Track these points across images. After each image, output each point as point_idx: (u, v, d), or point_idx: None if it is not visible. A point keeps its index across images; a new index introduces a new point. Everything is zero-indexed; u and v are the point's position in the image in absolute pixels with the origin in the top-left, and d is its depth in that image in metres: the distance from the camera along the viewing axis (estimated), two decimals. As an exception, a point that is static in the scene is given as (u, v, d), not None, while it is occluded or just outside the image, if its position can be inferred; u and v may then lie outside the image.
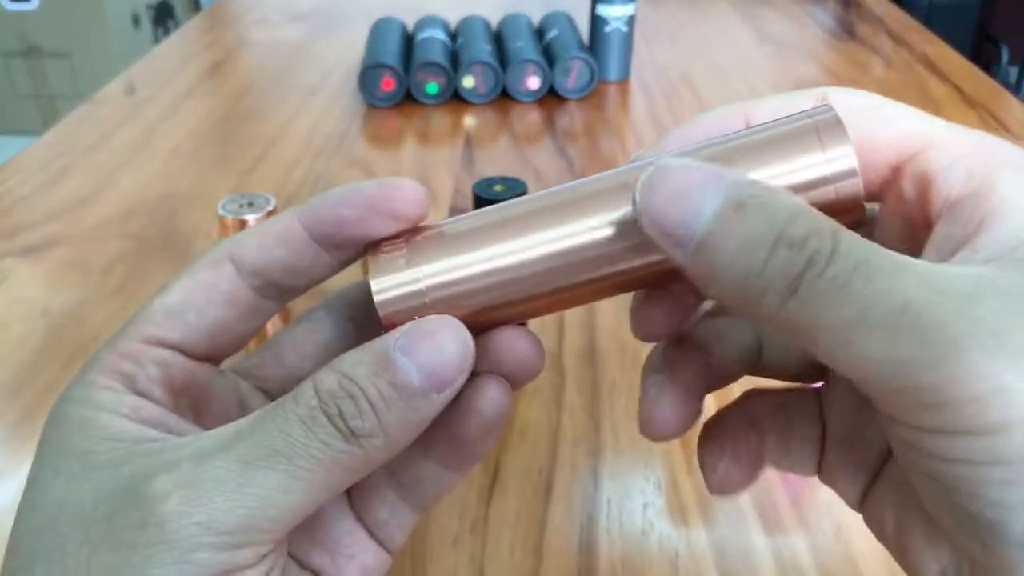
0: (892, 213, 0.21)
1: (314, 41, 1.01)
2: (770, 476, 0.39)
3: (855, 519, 0.37)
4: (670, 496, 0.38)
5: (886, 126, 0.20)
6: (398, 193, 0.21)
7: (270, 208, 0.40)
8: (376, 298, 0.20)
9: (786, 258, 0.16)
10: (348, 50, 0.97)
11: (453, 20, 0.94)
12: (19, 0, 2.60)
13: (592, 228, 0.19)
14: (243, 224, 0.39)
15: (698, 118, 0.22)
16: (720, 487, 0.23)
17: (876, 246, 0.16)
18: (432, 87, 0.81)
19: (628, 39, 0.85)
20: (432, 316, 0.19)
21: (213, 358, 0.22)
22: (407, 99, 0.82)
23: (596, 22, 0.84)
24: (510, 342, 0.21)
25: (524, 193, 0.41)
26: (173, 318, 0.21)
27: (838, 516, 0.37)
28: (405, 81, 0.80)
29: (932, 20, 2.60)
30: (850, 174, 0.19)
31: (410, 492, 0.22)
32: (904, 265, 0.16)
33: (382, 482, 0.22)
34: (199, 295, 0.21)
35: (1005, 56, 2.80)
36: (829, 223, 0.16)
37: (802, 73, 0.90)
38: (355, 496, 0.22)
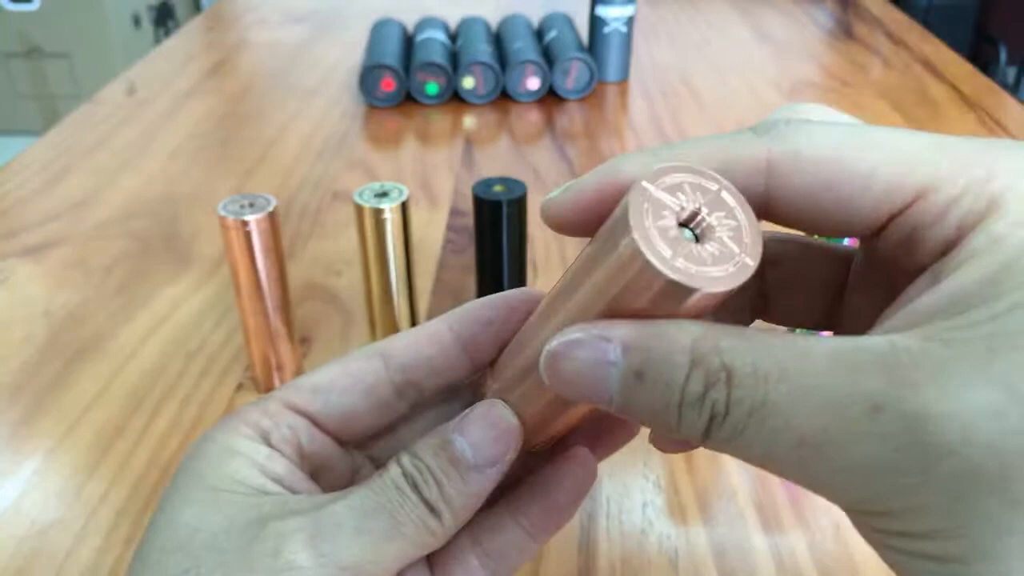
0: (889, 259, 0.20)
1: (314, 42, 1.01)
2: (770, 476, 0.39)
3: (853, 518, 0.37)
4: (669, 495, 0.38)
5: (869, 184, 0.18)
6: (531, 297, 0.24)
7: (270, 209, 0.40)
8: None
9: (691, 418, 0.17)
10: (348, 51, 0.97)
11: (453, 21, 0.94)
12: (20, 1, 2.60)
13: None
14: (244, 224, 0.39)
15: (609, 169, 0.20)
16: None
17: (776, 357, 0.16)
18: (432, 87, 0.81)
19: (627, 40, 0.85)
20: (484, 401, 0.22)
21: (339, 437, 0.24)
22: (407, 100, 0.82)
23: (595, 23, 0.85)
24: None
25: (524, 195, 0.42)
26: (316, 393, 0.24)
27: (837, 515, 0.37)
28: (405, 82, 0.80)
29: (931, 20, 2.60)
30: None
31: (493, 559, 0.24)
32: (801, 373, 0.16)
33: (467, 548, 0.24)
34: (345, 380, 0.24)
35: (1003, 56, 2.80)
36: (720, 363, 0.16)
37: (801, 73, 0.90)
38: (436, 561, 0.24)
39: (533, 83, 0.82)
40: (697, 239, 0.17)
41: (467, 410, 0.22)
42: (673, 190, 0.17)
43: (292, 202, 0.65)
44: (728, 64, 0.93)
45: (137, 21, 2.78)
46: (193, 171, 0.69)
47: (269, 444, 0.23)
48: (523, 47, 0.83)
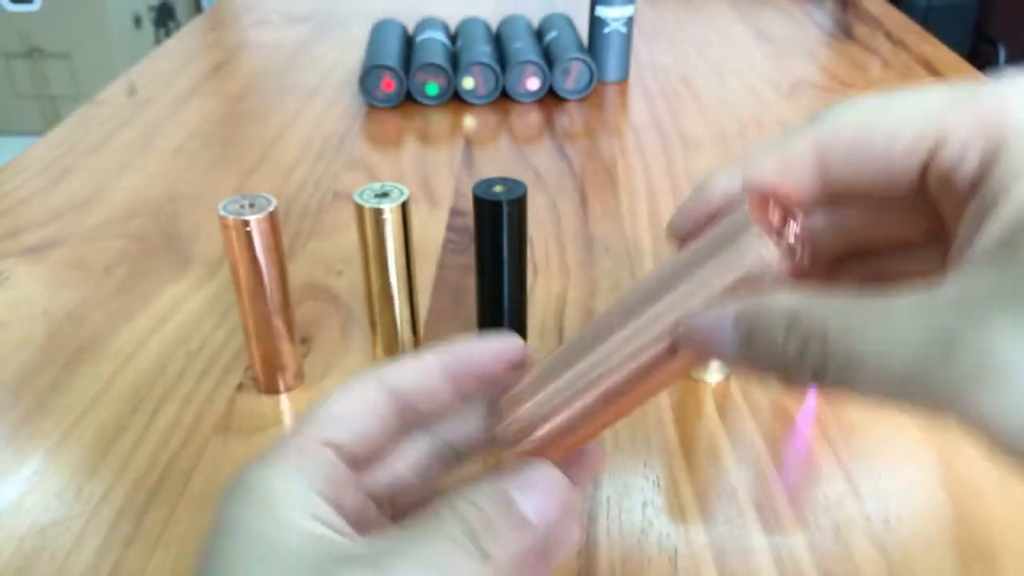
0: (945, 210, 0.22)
1: (314, 42, 1.01)
2: (769, 475, 0.39)
3: (854, 518, 0.37)
4: (669, 495, 0.38)
5: (893, 142, 0.22)
6: (514, 346, 0.26)
7: (271, 209, 0.40)
8: (499, 432, 0.26)
9: (798, 373, 0.20)
10: (348, 51, 0.97)
11: (452, 22, 0.94)
12: (20, 1, 2.60)
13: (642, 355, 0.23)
14: (244, 224, 0.39)
15: (706, 188, 0.25)
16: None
17: (861, 314, 0.19)
18: (432, 88, 0.81)
19: (627, 40, 0.85)
20: (540, 463, 0.24)
21: (355, 465, 0.25)
22: (407, 100, 0.82)
23: (595, 23, 0.85)
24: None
25: (524, 195, 0.42)
26: (339, 423, 0.24)
27: (836, 515, 0.37)
28: (405, 82, 0.80)
29: (930, 21, 2.59)
30: (763, 264, 0.21)
31: None
32: (884, 327, 0.18)
33: None
34: (357, 405, 0.25)
35: (1002, 57, 2.80)
36: (814, 328, 0.19)
37: (800, 74, 0.90)
38: None
39: (533, 83, 0.82)
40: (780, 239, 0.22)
41: (525, 468, 0.23)
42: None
43: (292, 202, 0.65)
44: (728, 64, 0.93)
45: (138, 21, 2.78)
46: (194, 171, 0.70)
47: (310, 484, 0.23)
48: (523, 47, 0.83)
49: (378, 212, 0.40)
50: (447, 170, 0.69)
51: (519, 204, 0.42)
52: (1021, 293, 0.17)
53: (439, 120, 0.79)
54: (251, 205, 0.40)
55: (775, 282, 0.22)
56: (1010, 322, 0.17)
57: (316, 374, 0.46)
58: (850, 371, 0.19)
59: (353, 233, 0.60)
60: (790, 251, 0.22)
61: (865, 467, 0.40)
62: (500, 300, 0.44)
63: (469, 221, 0.61)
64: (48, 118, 2.78)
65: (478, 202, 0.42)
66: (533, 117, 0.80)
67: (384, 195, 0.41)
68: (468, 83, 0.81)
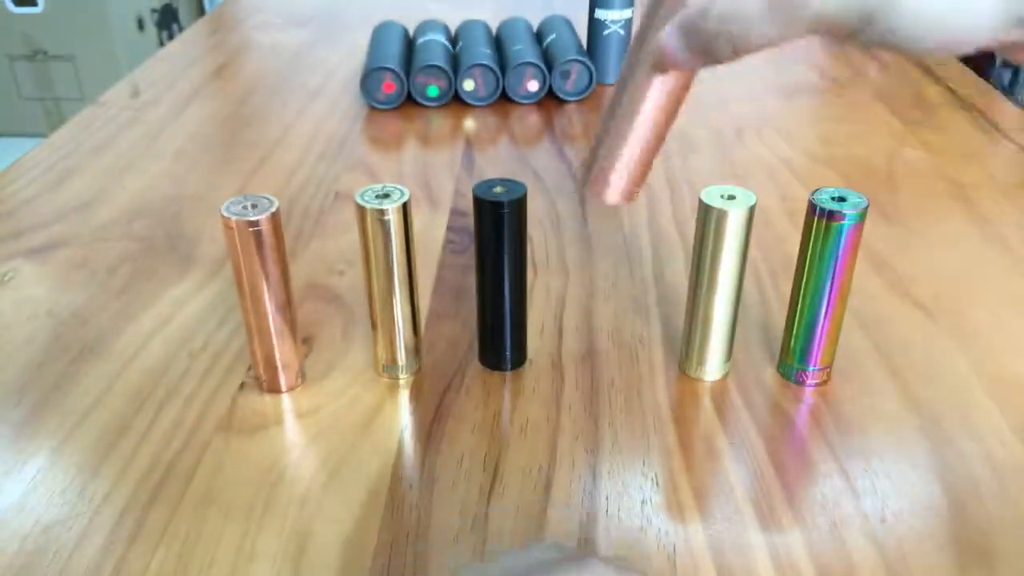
0: None
1: (316, 45, 1.01)
2: (766, 474, 0.40)
3: (851, 516, 0.37)
4: (668, 493, 0.39)
5: None
6: None
7: (273, 210, 0.40)
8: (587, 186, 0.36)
9: (718, 41, 0.28)
10: (349, 53, 0.97)
11: (453, 24, 0.94)
12: (24, 4, 2.61)
13: None
14: (247, 225, 0.39)
15: None
16: None
17: None
18: (433, 90, 0.81)
19: (626, 42, 0.86)
20: None
21: None
22: (408, 101, 0.82)
23: (594, 25, 0.85)
24: None
25: (524, 196, 0.42)
26: None
27: (833, 513, 0.38)
28: (406, 84, 0.81)
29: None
30: None
31: None
32: None
33: None
34: None
35: (998, 58, 2.79)
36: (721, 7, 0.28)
37: (798, 76, 0.91)
38: None
39: (533, 85, 0.82)
40: None
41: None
42: None
43: (294, 203, 0.65)
44: (725, 67, 0.93)
45: (141, 24, 2.79)
46: (196, 172, 0.70)
47: None
48: (523, 49, 0.83)
49: (380, 213, 0.41)
50: (447, 171, 0.70)
51: (519, 205, 0.42)
52: None
53: (439, 122, 0.79)
54: (253, 206, 0.41)
55: None
56: None
57: (318, 374, 0.47)
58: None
59: (354, 233, 0.60)
60: None
61: (862, 465, 0.40)
62: (500, 300, 0.45)
63: (469, 222, 0.62)
64: (52, 120, 2.79)
65: (478, 203, 0.42)
66: (533, 119, 0.80)
67: (385, 196, 0.42)
68: (468, 85, 0.82)
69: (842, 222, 0.40)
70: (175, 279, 0.55)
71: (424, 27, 0.91)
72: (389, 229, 0.41)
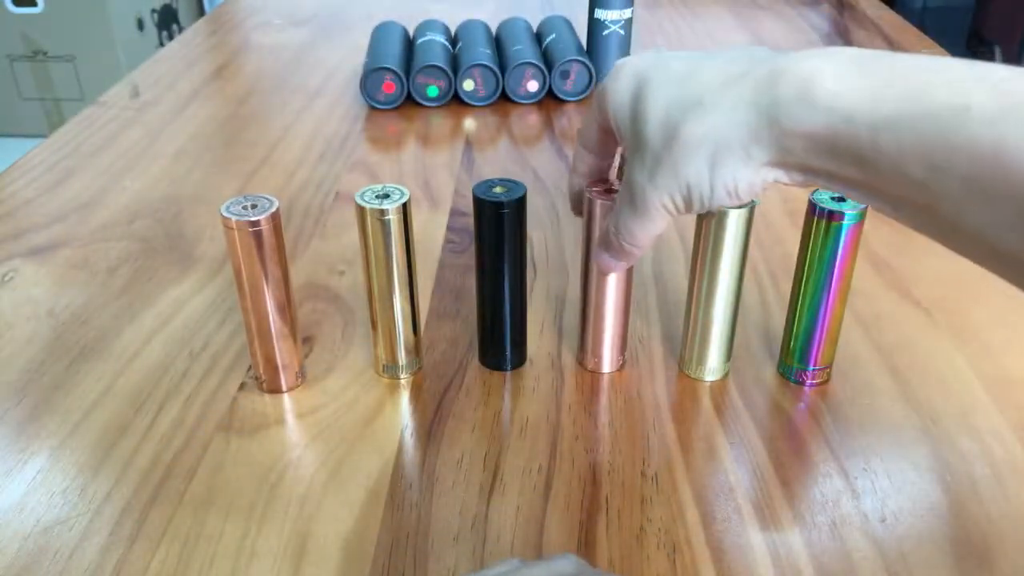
0: None
1: (316, 45, 1.01)
2: (766, 474, 0.40)
3: (851, 515, 0.37)
4: (668, 493, 0.39)
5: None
6: None
7: (272, 210, 0.40)
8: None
9: (617, 246, 0.40)
10: (350, 53, 0.97)
11: (453, 24, 0.94)
12: (24, 4, 2.61)
13: None
14: (247, 225, 0.40)
15: (571, 183, 0.45)
16: None
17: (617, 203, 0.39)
18: (433, 90, 0.82)
19: (625, 42, 0.86)
20: None
21: None
22: (408, 102, 0.82)
23: (594, 25, 0.85)
24: None
25: (524, 196, 0.42)
26: None
27: (834, 512, 0.38)
28: (406, 84, 0.81)
29: (926, 22, 2.60)
30: None
31: None
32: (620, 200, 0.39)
33: None
34: None
35: (998, 58, 2.80)
36: (614, 226, 0.40)
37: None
38: None
39: (533, 85, 0.82)
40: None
41: None
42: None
43: (295, 203, 0.65)
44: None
45: (141, 24, 2.79)
46: (196, 172, 0.70)
47: None
48: (522, 50, 0.83)
49: (380, 213, 0.41)
50: (447, 171, 0.70)
51: (519, 205, 0.42)
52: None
53: (439, 122, 0.79)
54: (253, 206, 0.41)
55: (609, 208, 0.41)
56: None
57: (318, 374, 0.47)
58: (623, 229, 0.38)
59: (354, 234, 0.60)
60: (610, 192, 0.42)
61: (862, 464, 0.40)
62: (500, 300, 0.45)
63: (469, 222, 0.62)
64: (52, 120, 2.78)
65: (478, 203, 0.42)
66: (533, 119, 0.80)
67: (385, 196, 0.42)
68: (468, 85, 0.82)
69: (842, 222, 0.40)
70: (175, 279, 0.55)
71: (424, 27, 0.91)
72: (389, 229, 0.41)
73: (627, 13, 0.84)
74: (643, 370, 0.47)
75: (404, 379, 0.46)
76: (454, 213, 0.63)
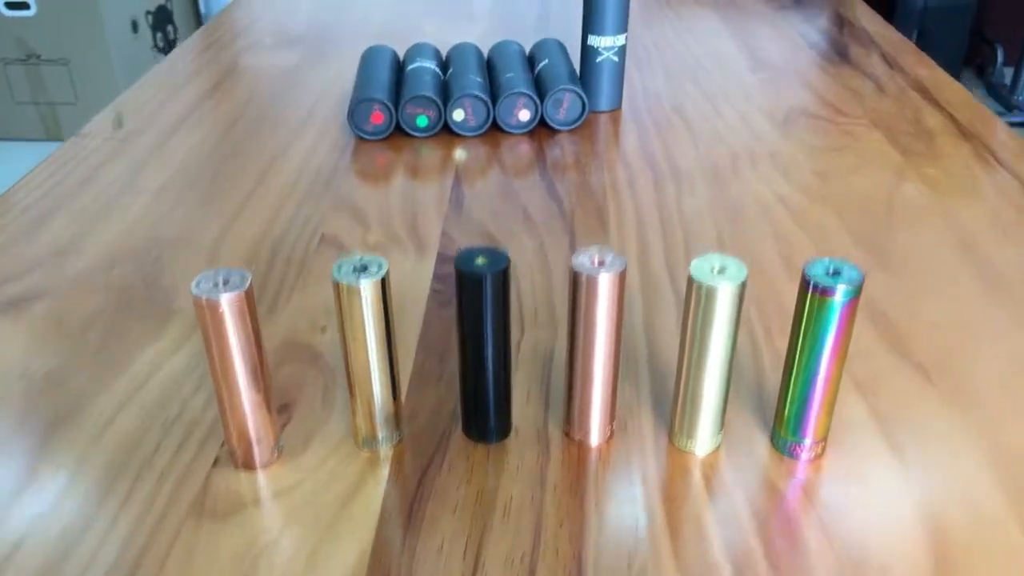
0: None
1: (306, 66, 1.00)
2: (755, 555, 0.38)
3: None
4: (654, 571, 0.37)
5: None
6: None
7: (244, 288, 0.39)
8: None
9: None
10: (340, 75, 0.95)
11: (444, 45, 0.92)
12: (17, 8, 2.59)
13: None
14: (217, 305, 0.38)
15: None
16: None
17: None
18: (422, 120, 0.80)
19: (619, 69, 0.84)
20: None
21: None
22: (397, 131, 0.81)
23: (587, 52, 0.83)
24: None
25: (506, 267, 0.40)
26: None
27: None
28: (395, 115, 0.79)
29: (926, 22, 2.57)
30: None
31: None
32: None
33: None
34: None
35: (1000, 58, 2.77)
36: None
37: (794, 101, 0.89)
38: None
39: (524, 115, 0.80)
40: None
41: None
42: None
43: (278, 248, 0.63)
44: (721, 92, 0.92)
45: (135, 26, 2.77)
46: (179, 211, 0.68)
47: None
48: (514, 78, 0.82)
49: (356, 290, 0.39)
50: (435, 210, 0.68)
51: (502, 277, 0.41)
52: None
53: (428, 153, 0.78)
54: (225, 282, 0.39)
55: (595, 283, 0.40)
56: None
57: (296, 447, 0.45)
58: None
59: (338, 283, 0.59)
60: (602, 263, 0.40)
61: (858, 550, 0.39)
62: (483, 376, 0.43)
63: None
64: (48, 125, 2.77)
65: (460, 276, 0.40)
66: (524, 148, 0.79)
67: (363, 269, 0.40)
68: (459, 115, 0.80)
69: (836, 299, 0.39)
70: (152, 335, 0.54)
71: (414, 52, 0.89)
72: (366, 307, 0.40)
73: (620, 40, 0.82)
74: (632, 441, 0.45)
75: (384, 452, 0.45)
76: (440, 259, 0.62)
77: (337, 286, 0.40)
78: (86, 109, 2.61)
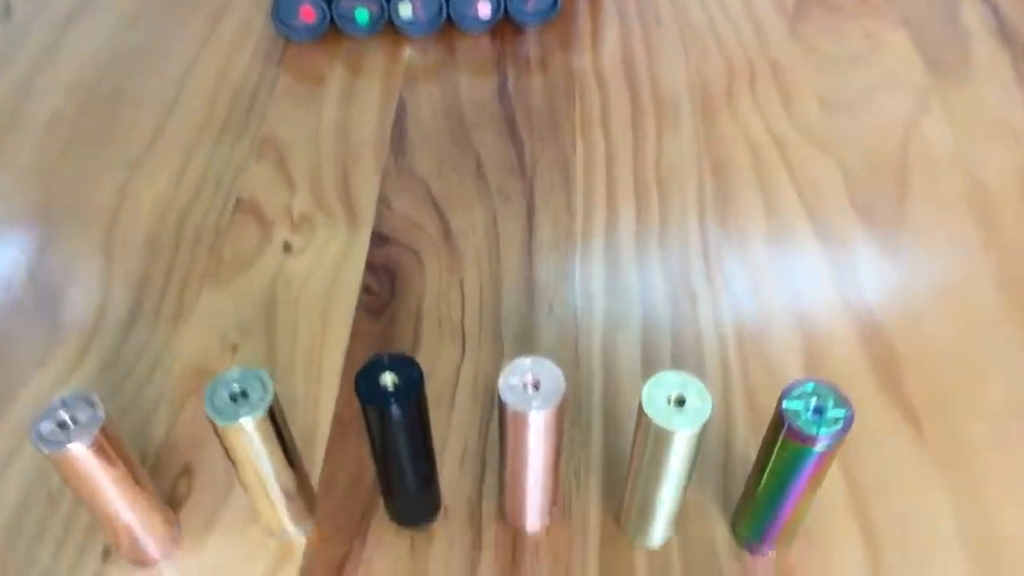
0: None
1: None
2: None
3: None
4: None
5: None
6: None
7: (97, 428, 0.32)
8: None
9: None
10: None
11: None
12: None
13: None
14: (66, 453, 0.31)
15: None
16: None
17: None
18: (362, 15, 0.67)
19: (602, -53, 0.70)
20: None
21: None
22: (332, 29, 0.68)
23: (563, -74, 0.68)
24: None
25: (420, 382, 0.33)
26: None
27: None
28: (328, 11, 0.66)
29: None
30: None
31: None
32: None
33: None
34: None
35: None
36: None
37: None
38: None
39: (484, 9, 0.67)
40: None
41: None
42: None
43: (186, 216, 0.55)
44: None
45: None
46: (68, 160, 0.58)
47: None
48: (472, -38, 0.67)
49: (236, 430, 0.32)
50: (373, 157, 0.58)
51: (414, 396, 0.33)
52: None
53: (368, 63, 0.66)
54: (73, 420, 0.32)
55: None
56: None
57: (197, 526, 0.40)
58: None
59: (254, 274, 0.51)
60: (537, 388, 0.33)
61: None
62: (403, 482, 0.37)
63: (391, 254, 0.52)
64: None
65: (362, 401, 0.33)
66: (484, 53, 0.67)
67: (243, 394, 0.33)
68: (405, 10, 0.67)
69: (815, 448, 0.32)
70: (39, 359, 0.47)
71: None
72: (252, 443, 0.33)
73: (602, -88, 0.67)
74: (575, 531, 0.40)
75: (296, 539, 0.40)
76: (375, 239, 0.53)
77: (215, 426, 0.33)
78: None
